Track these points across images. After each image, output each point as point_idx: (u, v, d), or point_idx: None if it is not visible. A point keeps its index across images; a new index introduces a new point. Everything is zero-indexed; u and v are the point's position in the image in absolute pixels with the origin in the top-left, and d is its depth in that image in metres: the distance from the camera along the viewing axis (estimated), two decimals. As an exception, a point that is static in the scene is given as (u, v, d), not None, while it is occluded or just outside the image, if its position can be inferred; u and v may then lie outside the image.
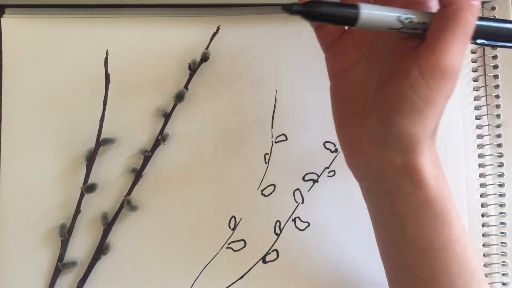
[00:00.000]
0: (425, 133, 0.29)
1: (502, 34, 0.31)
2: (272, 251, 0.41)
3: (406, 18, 0.29)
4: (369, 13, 0.28)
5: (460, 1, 0.28)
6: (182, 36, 0.42)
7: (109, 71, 0.40)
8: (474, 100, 0.42)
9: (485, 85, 0.42)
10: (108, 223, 0.40)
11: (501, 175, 0.41)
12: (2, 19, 0.41)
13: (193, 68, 0.41)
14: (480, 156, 0.42)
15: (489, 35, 0.31)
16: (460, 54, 0.28)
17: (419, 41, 0.29)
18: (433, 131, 0.30)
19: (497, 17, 0.42)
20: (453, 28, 0.28)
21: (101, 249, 0.39)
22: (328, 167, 0.41)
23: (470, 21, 0.28)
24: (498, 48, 0.42)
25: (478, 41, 0.31)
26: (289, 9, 0.28)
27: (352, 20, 0.28)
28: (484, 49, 0.42)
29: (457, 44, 0.28)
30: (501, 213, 0.41)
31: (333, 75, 0.36)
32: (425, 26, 0.29)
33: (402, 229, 0.32)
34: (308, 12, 0.28)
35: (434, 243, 0.31)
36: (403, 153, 0.30)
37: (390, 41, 0.32)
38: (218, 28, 0.41)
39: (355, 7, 0.28)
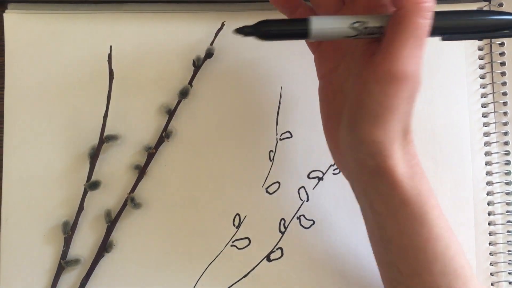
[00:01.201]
0: (389, 137, 0.29)
1: (466, 27, 0.30)
2: (277, 249, 0.40)
3: (359, 24, 0.29)
4: (319, 26, 0.29)
5: (408, 5, 0.27)
6: (186, 32, 0.41)
7: (112, 67, 0.40)
8: (481, 97, 0.42)
9: (492, 82, 0.42)
10: (112, 221, 0.39)
11: (508, 173, 0.41)
12: (4, 14, 0.41)
13: (197, 65, 0.40)
14: (487, 154, 0.41)
15: (453, 30, 0.30)
16: (413, 58, 0.28)
17: (378, 46, 0.29)
18: (402, 132, 0.30)
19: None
20: (403, 33, 0.27)
21: (104, 247, 0.39)
22: (333, 165, 0.41)
23: (420, 24, 0.27)
24: (505, 45, 0.42)
25: (443, 37, 0.31)
26: (241, 32, 0.29)
27: (305, 34, 0.29)
28: (491, 46, 0.42)
29: (408, 49, 0.27)
30: (507, 211, 0.41)
31: (319, 77, 0.37)
32: (382, 30, 0.29)
33: (383, 227, 0.32)
34: (260, 33, 0.29)
35: (414, 242, 0.31)
36: (372, 156, 0.30)
37: (360, 45, 0.32)
38: (222, 24, 0.41)
39: (305, 22, 0.28)
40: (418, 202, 0.30)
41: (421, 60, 0.28)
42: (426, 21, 0.27)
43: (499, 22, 0.30)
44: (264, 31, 0.29)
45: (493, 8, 0.42)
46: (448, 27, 0.30)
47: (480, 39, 0.31)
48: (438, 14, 0.29)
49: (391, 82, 0.28)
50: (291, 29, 0.29)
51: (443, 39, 0.30)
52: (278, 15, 0.34)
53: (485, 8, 0.42)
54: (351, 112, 0.30)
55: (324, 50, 0.36)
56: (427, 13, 0.27)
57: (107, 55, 0.39)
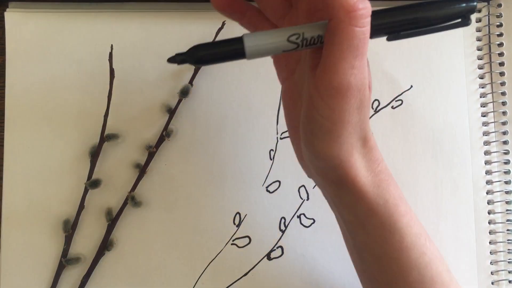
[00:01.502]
0: (346, 149, 0.28)
1: (410, 22, 0.27)
2: (277, 247, 0.40)
3: (296, 36, 0.27)
4: (254, 44, 0.27)
5: (339, 14, 0.25)
6: (187, 31, 0.41)
7: (113, 66, 0.40)
8: (480, 97, 0.42)
9: (491, 82, 0.42)
10: (112, 219, 0.39)
11: (507, 172, 0.41)
12: (5, 13, 0.41)
13: (198, 64, 0.40)
14: (487, 153, 0.41)
15: (397, 28, 0.28)
16: (354, 69, 0.26)
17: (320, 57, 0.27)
18: (361, 141, 0.29)
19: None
20: (339, 44, 0.25)
21: (105, 245, 0.39)
22: (333, 164, 0.41)
23: (355, 33, 0.25)
24: (504, 45, 0.42)
25: (388, 37, 0.28)
26: (174, 61, 0.28)
27: (241, 54, 0.27)
28: (490, 46, 0.42)
29: (348, 61, 0.25)
30: (507, 210, 0.41)
31: (281, 81, 0.35)
32: (322, 39, 0.27)
33: (354, 237, 0.32)
34: (194, 59, 0.27)
35: (386, 251, 0.30)
36: (332, 169, 0.29)
37: (307, 53, 0.29)
38: (223, 24, 0.41)
39: (239, 41, 0.27)
40: (385, 211, 0.29)
41: (363, 69, 0.26)
42: (362, 29, 0.25)
43: (448, 13, 0.27)
44: (198, 56, 0.27)
45: (492, 9, 0.42)
46: (391, 25, 0.27)
47: (428, 33, 0.29)
48: (377, 13, 0.27)
49: (335, 96, 0.26)
50: (225, 50, 0.27)
51: (388, 39, 0.28)
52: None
53: (484, 9, 0.42)
54: (303, 127, 0.29)
55: (278, 56, 0.34)
56: (362, 20, 0.25)
57: (108, 54, 0.39)
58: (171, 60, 0.27)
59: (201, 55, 0.27)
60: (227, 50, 0.27)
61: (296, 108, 0.32)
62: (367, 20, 0.25)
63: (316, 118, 0.27)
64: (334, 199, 0.31)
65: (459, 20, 0.27)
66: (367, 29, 0.25)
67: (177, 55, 0.27)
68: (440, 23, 0.27)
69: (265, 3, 0.33)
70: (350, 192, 0.29)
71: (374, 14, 0.26)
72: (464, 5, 0.27)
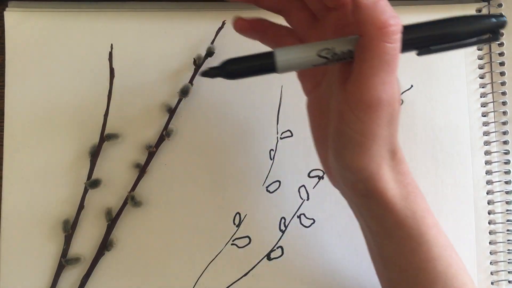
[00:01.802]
0: (375, 161, 0.28)
1: (441, 37, 0.28)
2: (277, 248, 0.40)
3: (327, 51, 0.27)
4: (285, 58, 0.27)
5: (370, 31, 0.25)
6: (187, 30, 0.41)
7: (113, 66, 0.40)
8: (481, 97, 0.42)
9: (492, 82, 0.42)
10: (112, 219, 0.39)
11: (507, 172, 0.41)
12: (5, 12, 0.41)
13: (198, 63, 0.40)
14: (487, 153, 0.41)
15: (428, 43, 0.28)
16: (385, 84, 0.26)
17: (350, 71, 0.27)
18: (389, 154, 0.29)
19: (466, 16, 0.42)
20: (370, 60, 0.26)
21: (104, 245, 0.39)
22: (333, 164, 0.41)
23: (386, 49, 0.25)
24: (504, 45, 0.42)
25: (419, 52, 0.28)
26: (206, 75, 0.28)
27: (272, 69, 0.28)
28: (490, 46, 0.42)
29: (378, 76, 0.26)
30: (507, 210, 0.41)
31: (306, 93, 0.35)
32: (352, 54, 0.27)
33: (380, 247, 0.32)
34: (226, 73, 0.28)
35: (413, 262, 0.31)
36: (361, 181, 0.29)
37: (336, 67, 0.30)
38: (223, 23, 0.41)
39: (270, 56, 0.27)
40: (413, 223, 0.30)
41: (394, 84, 0.27)
42: (394, 45, 0.25)
43: (477, 28, 0.28)
44: (230, 71, 0.28)
45: (492, 9, 0.42)
46: (421, 40, 0.28)
47: (458, 48, 0.29)
48: (408, 27, 0.27)
49: (366, 111, 0.27)
50: (257, 65, 0.28)
51: (419, 54, 0.28)
52: (276, 15, 0.34)
53: (484, 9, 0.42)
54: (333, 140, 0.29)
55: (303, 69, 0.34)
56: (394, 36, 0.25)
57: (108, 53, 0.39)
58: (205, 74, 0.28)
59: (234, 69, 0.28)
60: (259, 65, 0.28)
61: (323, 119, 0.32)
62: (398, 36, 0.26)
63: (347, 131, 0.28)
64: (362, 210, 0.32)
65: (489, 35, 0.28)
66: (398, 45, 0.26)
67: (211, 69, 0.28)
68: (470, 37, 0.28)
69: (292, 16, 0.33)
70: (378, 204, 0.30)
71: (405, 29, 0.26)
72: (494, 20, 0.27)
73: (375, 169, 0.28)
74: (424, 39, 0.28)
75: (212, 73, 0.28)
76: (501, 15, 0.28)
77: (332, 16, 0.31)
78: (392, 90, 0.27)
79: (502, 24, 0.27)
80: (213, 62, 0.41)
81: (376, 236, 0.32)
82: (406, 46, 0.27)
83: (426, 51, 0.28)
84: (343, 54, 0.27)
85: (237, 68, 0.28)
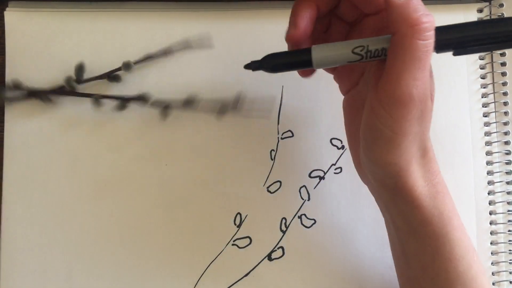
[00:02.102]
0: (405, 158, 0.29)
1: (476, 39, 0.28)
2: (278, 248, 0.40)
3: (361, 48, 0.29)
4: (321, 55, 0.29)
5: (402, 28, 0.26)
6: (187, 30, 0.41)
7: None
8: (482, 97, 0.42)
9: (493, 82, 0.42)
10: (112, 219, 0.39)
11: (509, 173, 0.41)
12: (5, 12, 0.40)
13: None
14: (488, 153, 0.41)
15: (463, 44, 0.29)
16: (416, 80, 0.27)
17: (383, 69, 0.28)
18: (420, 151, 0.29)
19: (493, 17, 0.42)
20: (402, 57, 0.27)
21: (105, 246, 0.39)
22: (334, 164, 0.41)
23: (419, 46, 0.26)
24: (506, 45, 0.42)
25: (454, 52, 0.29)
26: (249, 67, 0.31)
27: (309, 64, 0.30)
28: (491, 46, 0.42)
29: (410, 72, 0.26)
30: (509, 210, 0.41)
31: (343, 92, 0.36)
32: (386, 52, 0.28)
33: (405, 243, 0.32)
34: (267, 66, 0.31)
35: (436, 261, 0.31)
36: (390, 177, 0.30)
37: (372, 65, 0.31)
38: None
39: (307, 52, 0.29)
40: (439, 222, 0.30)
41: (425, 80, 0.27)
42: (426, 42, 0.26)
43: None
44: (270, 64, 0.31)
45: (494, 9, 0.42)
46: (459, 41, 0.28)
47: (494, 50, 0.30)
48: (446, 28, 0.28)
49: (397, 107, 0.27)
50: (295, 60, 0.30)
51: (455, 54, 0.29)
52: (284, 13, 0.34)
53: (485, 9, 0.42)
54: (364, 135, 0.30)
55: (340, 71, 0.36)
56: (426, 33, 0.26)
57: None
58: (247, 66, 0.31)
59: (274, 63, 0.31)
60: (297, 60, 0.30)
61: (358, 117, 0.33)
62: (431, 34, 0.26)
63: (378, 126, 0.28)
64: (389, 205, 0.32)
65: None
66: (430, 42, 0.26)
67: (253, 62, 0.31)
68: (507, 40, 0.28)
69: (331, 28, 0.34)
70: (405, 200, 0.30)
71: (443, 29, 0.27)
72: None
73: (405, 166, 0.29)
74: (462, 40, 0.28)
75: (253, 66, 0.31)
76: None
77: (368, 21, 0.32)
78: (423, 86, 0.27)
79: None
80: (213, 62, 0.41)
81: (401, 232, 0.32)
82: (443, 46, 0.28)
83: (462, 51, 0.29)
84: (377, 52, 0.28)
85: (277, 63, 0.31)
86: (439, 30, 0.27)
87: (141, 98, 0.40)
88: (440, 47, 0.28)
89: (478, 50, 0.29)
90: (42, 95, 0.39)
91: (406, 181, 0.29)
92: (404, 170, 0.29)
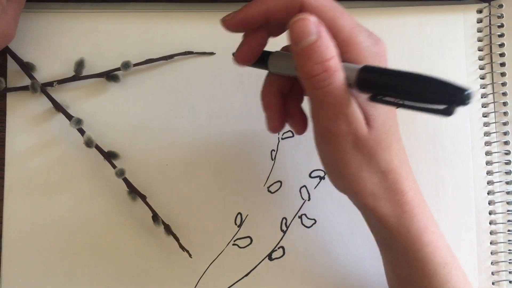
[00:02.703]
0: (356, 184, 0.29)
1: (393, 90, 0.26)
2: (278, 248, 0.40)
3: None
4: (275, 63, 0.32)
5: (301, 77, 0.27)
6: (188, 31, 0.41)
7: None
8: (481, 97, 0.42)
9: (492, 83, 0.42)
10: (114, 219, 0.39)
11: (508, 173, 0.41)
12: (7, 13, 0.41)
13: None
14: (488, 153, 0.42)
15: (382, 91, 0.26)
16: (330, 119, 0.27)
17: None
18: (378, 174, 0.29)
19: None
20: (311, 100, 0.28)
21: (106, 246, 0.39)
22: (334, 164, 0.41)
23: (317, 94, 0.26)
24: (505, 46, 0.42)
25: (370, 97, 0.27)
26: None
27: (266, 67, 0.33)
28: (491, 47, 0.42)
29: (322, 112, 0.27)
30: (508, 210, 0.41)
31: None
32: None
33: (382, 255, 0.34)
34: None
35: (409, 275, 0.32)
36: (353, 197, 0.31)
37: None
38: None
39: (267, 55, 0.33)
40: (407, 239, 0.30)
41: (344, 116, 0.27)
42: (322, 91, 0.26)
43: (439, 94, 0.24)
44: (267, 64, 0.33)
45: (493, 10, 0.42)
46: (376, 87, 0.26)
47: (409, 109, 0.26)
48: (370, 70, 0.26)
49: (324, 142, 0.29)
50: (258, 60, 0.33)
51: (370, 100, 0.27)
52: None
53: (485, 10, 0.42)
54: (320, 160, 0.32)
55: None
56: (322, 82, 0.26)
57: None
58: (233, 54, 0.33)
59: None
60: (260, 60, 0.33)
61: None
62: (327, 81, 0.26)
63: (322, 158, 0.31)
64: (363, 217, 0.33)
65: (444, 106, 0.24)
66: (329, 88, 0.26)
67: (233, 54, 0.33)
68: (423, 101, 0.25)
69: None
70: (372, 218, 0.31)
71: (367, 70, 0.26)
72: (466, 92, 0.24)
73: (359, 190, 0.30)
74: (380, 87, 0.26)
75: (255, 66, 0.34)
76: (470, 91, 0.24)
77: None
78: (342, 123, 0.27)
79: (461, 101, 0.24)
80: (214, 62, 0.41)
81: (378, 244, 0.33)
82: (363, 87, 0.27)
83: (378, 100, 0.26)
84: None
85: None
86: (365, 71, 0.26)
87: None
88: (360, 87, 0.27)
89: (392, 104, 0.26)
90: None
91: (366, 203, 0.30)
92: (361, 193, 0.30)
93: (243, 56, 0.32)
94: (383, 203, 0.30)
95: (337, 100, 0.27)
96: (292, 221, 0.40)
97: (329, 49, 0.26)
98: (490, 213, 0.41)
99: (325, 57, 0.26)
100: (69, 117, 0.39)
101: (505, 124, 0.42)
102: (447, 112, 0.24)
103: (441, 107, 0.24)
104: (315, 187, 0.41)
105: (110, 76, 0.40)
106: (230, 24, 0.30)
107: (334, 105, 0.27)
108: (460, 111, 0.41)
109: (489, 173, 0.41)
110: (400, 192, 0.30)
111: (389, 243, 0.32)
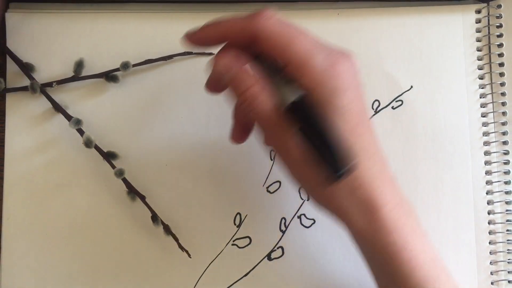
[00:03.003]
0: (329, 202, 0.30)
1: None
2: (278, 248, 0.40)
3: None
4: None
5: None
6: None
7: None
8: (480, 98, 0.42)
9: (491, 83, 0.42)
10: (113, 219, 0.39)
11: (507, 173, 0.41)
12: (6, 13, 0.41)
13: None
14: (486, 153, 0.42)
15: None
16: (272, 140, 0.30)
17: None
18: (348, 190, 0.29)
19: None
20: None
21: (105, 246, 0.39)
22: (334, 164, 0.41)
23: (246, 121, 0.32)
24: (504, 46, 0.42)
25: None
26: None
27: None
28: (490, 47, 0.42)
29: (264, 133, 0.31)
30: (507, 210, 0.41)
31: None
32: None
33: (367, 265, 0.33)
34: None
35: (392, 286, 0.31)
36: (328, 213, 0.32)
37: None
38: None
39: None
40: (386, 254, 0.30)
41: (279, 136, 0.29)
42: (252, 115, 0.29)
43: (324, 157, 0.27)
44: None
45: (492, 10, 0.42)
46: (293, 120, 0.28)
47: None
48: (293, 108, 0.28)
49: (277, 153, 0.31)
50: None
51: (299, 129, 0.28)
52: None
53: (483, 10, 0.42)
54: None
55: None
56: (245, 111, 0.29)
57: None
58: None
59: None
60: None
61: None
62: (248, 108, 0.29)
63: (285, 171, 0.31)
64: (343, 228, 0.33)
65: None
66: (253, 114, 0.29)
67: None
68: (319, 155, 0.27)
69: None
70: (349, 232, 0.31)
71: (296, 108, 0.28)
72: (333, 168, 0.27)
73: (333, 208, 0.30)
74: (297, 124, 0.28)
75: None
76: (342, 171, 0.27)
77: None
78: (281, 144, 0.29)
79: (336, 178, 0.27)
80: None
81: (361, 255, 0.33)
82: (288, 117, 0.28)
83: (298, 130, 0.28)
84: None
85: None
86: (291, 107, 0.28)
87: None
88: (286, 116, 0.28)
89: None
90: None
91: (342, 219, 0.30)
92: (336, 210, 0.30)
93: (237, 138, 0.35)
94: (357, 220, 0.30)
95: (268, 123, 0.29)
96: (291, 221, 0.41)
97: (244, 82, 0.29)
98: (489, 213, 0.41)
99: (242, 89, 0.29)
100: (68, 117, 0.39)
101: (503, 124, 0.42)
102: (330, 178, 0.27)
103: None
104: (314, 187, 0.41)
105: (110, 76, 0.40)
106: (192, 41, 0.32)
107: (268, 127, 0.29)
108: (460, 111, 0.42)
109: (488, 173, 0.41)
110: (372, 207, 0.29)
111: (370, 256, 0.32)
